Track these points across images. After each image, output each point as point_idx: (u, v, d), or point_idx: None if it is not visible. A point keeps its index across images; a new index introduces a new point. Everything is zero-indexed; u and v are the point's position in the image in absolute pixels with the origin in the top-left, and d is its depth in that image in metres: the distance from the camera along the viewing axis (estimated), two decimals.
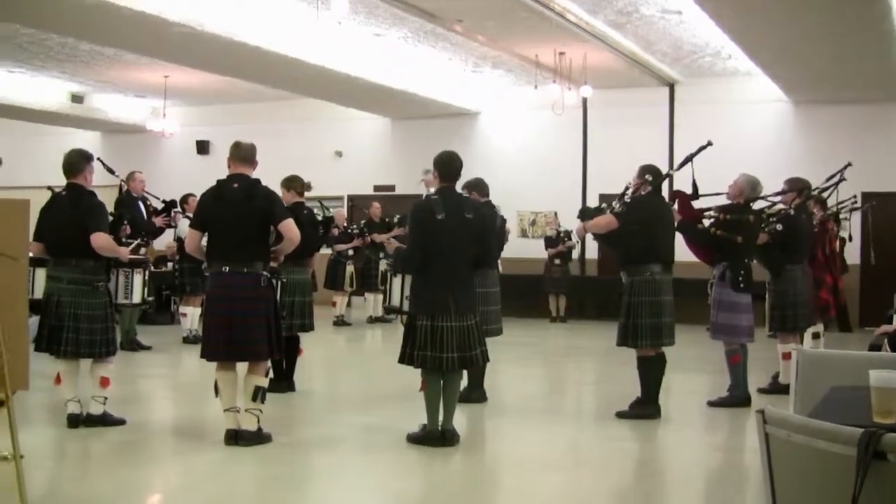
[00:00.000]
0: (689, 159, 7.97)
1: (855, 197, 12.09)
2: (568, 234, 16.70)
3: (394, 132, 20.16)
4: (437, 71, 17.00)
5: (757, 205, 8.74)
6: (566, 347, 14.35)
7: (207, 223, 6.79)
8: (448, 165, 6.91)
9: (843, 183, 10.08)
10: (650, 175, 7.87)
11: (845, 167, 9.77)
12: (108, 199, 9.19)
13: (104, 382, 7.22)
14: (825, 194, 10.27)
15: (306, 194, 9.35)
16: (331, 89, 16.90)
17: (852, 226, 13.10)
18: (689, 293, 11.68)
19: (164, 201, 11.80)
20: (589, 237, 8.74)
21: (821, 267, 9.91)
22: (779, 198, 9.35)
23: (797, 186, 9.31)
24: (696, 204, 8.44)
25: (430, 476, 6.37)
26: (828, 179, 9.96)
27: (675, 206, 8.38)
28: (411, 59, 16.05)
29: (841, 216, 11.75)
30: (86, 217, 7.02)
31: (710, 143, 7.87)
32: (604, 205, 8.38)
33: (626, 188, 7.95)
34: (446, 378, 6.80)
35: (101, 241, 7.01)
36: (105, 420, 7.23)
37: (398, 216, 15.94)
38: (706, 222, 8.45)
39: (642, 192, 7.87)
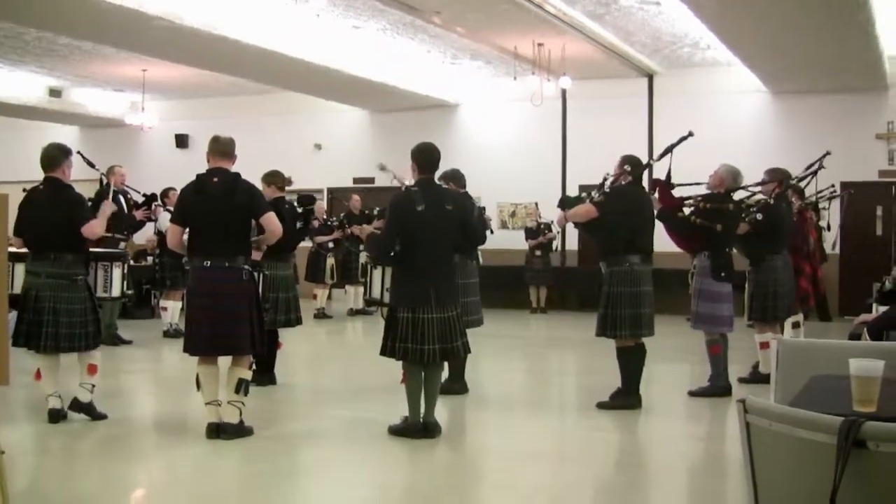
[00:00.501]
0: (669, 150, 7.96)
1: (833, 186, 12.13)
2: (548, 225, 16.69)
3: (373, 125, 20.09)
4: (416, 63, 16.96)
5: (738, 195, 8.76)
6: (547, 338, 14.37)
7: (189, 218, 6.76)
8: (427, 156, 6.90)
9: (822, 172, 10.11)
10: (630, 165, 7.88)
11: (824, 156, 9.79)
12: (88, 193, 9.16)
13: (92, 370, 7.22)
14: (803, 183, 10.30)
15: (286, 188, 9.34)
16: (309, 82, 16.85)
17: (830, 215, 13.13)
18: (669, 283, 11.73)
19: (144, 195, 11.74)
20: (571, 228, 8.74)
21: (801, 256, 9.94)
22: (759, 188, 9.37)
23: (777, 177, 9.34)
24: (677, 193, 8.44)
25: (414, 468, 6.38)
26: (806, 168, 9.99)
27: (656, 195, 8.38)
28: (390, 52, 16.00)
29: (819, 205, 11.78)
30: (71, 211, 7.03)
31: (691, 134, 7.88)
32: (584, 195, 8.39)
33: (605, 178, 7.96)
34: (427, 370, 6.80)
35: (93, 227, 7.08)
36: (91, 409, 7.22)
37: (378, 208, 15.92)
38: (686, 211, 8.46)
39: (622, 182, 7.88)
